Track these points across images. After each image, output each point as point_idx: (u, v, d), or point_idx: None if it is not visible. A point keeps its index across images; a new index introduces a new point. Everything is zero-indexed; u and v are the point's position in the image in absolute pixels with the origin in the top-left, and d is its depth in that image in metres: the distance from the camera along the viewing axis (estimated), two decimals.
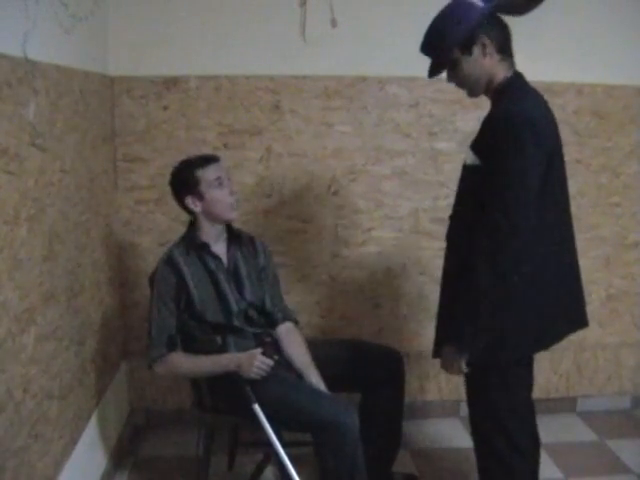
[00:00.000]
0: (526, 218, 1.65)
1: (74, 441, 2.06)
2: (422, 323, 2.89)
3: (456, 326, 1.75)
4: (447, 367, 1.81)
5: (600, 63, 2.77)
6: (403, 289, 2.88)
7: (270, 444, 1.88)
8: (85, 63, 2.22)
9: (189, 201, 2.10)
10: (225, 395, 2.06)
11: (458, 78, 1.80)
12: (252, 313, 2.16)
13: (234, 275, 2.16)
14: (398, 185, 2.79)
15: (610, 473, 2.56)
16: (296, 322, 2.27)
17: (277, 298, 2.27)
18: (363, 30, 2.62)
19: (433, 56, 1.80)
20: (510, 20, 2.69)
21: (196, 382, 2.14)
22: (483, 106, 1.86)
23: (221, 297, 2.11)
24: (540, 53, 2.64)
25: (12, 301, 1.58)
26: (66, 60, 2.00)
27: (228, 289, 2.13)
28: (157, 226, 2.70)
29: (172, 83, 2.62)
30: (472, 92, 1.83)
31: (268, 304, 2.21)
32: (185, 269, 2.09)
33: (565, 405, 3.04)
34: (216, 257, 2.15)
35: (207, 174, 2.08)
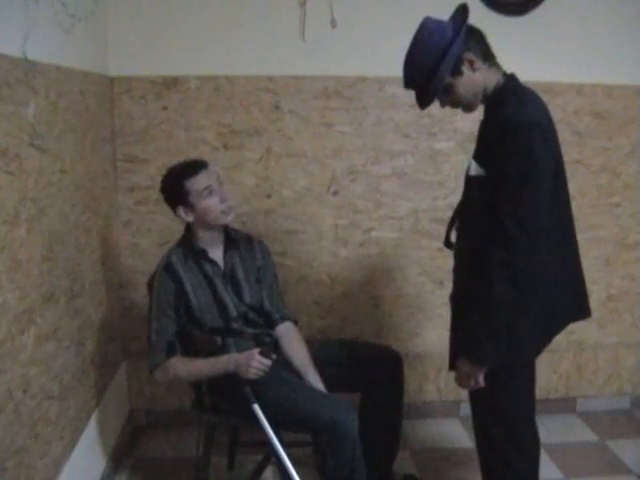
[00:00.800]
0: (543, 228, 1.62)
1: (74, 441, 2.06)
2: (421, 323, 2.90)
3: (474, 340, 1.71)
4: (462, 381, 1.78)
5: (600, 63, 2.76)
6: (402, 289, 2.88)
7: (270, 444, 1.88)
8: (85, 63, 2.22)
9: (181, 212, 2.09)
10: (225, 395, 2.06)
11: (453, 101, 1.78)
12: (251, 315, 2.16)
13: (231, 279, 2.16)
14: (397, 185, 2.79)
15: (610, 473, 2.56)
16: (295, 321, 2.27)
17: (276, 298, 2.27)
18: (363, 30, 2.62)
19: (422, 90, 1.76)
20: (510, 20, 2.70)
21: (196, 382, 2.14)
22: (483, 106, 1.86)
23: (219, 302, 2.11)
24: (540, 53, 2.64)
25: (12, 302, 1.58)
26: (66, 60, 2.00)
27: (226, 294, 2.12)
28: (157, 226, 2.70)
29: (172, 83, 2.62)
30: (469, 108, 1.81)
31: (266, 304, 2.21)
32: (184, 275, 2.09)
33: (565, 405, 3.04)
34: (213, 262, 2.14)
35: (196, 184, 2.06)
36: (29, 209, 1.69)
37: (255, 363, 1.96)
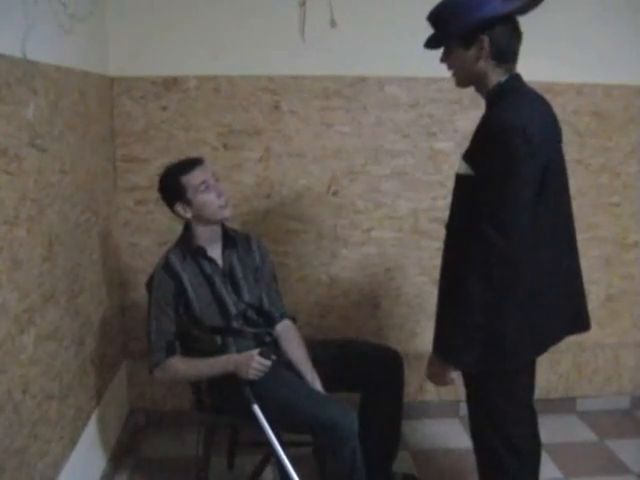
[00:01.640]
0: (522, 232, 1.59)
1: (74, 441, 2.06)
2: (421, 323, 2.90)
3: (443, 339, 1.73)
4: (431, 377, 1.79)
5: (600, 63, 2.76)
6: (402, 289, 2.89)
7: (269, 444, 1.88)
8: (84, 63, 2.22)
9: (179, 208, 2.10)
10: (225, 395, 2.06)
11: (449, 63, 1.76)
12: (251, 314, 2.16)
13: (230, 277, 2.16)
14: (397, 185, 2.79)
15: (609, 473, 2.56)
16: (293, 319, 2.28)
17: (274, 296, 2.27)
18: (363, 30, 2.62)
19: (436, 29, 1.74)
20: None
21: (196, 382, 2.14)
22: (482, 106, 1.85)
23: (218, 301, 2.11)
24: (540, 53, 2.64)
25: (12, 302, 1.58)
26: (65, 60, 2.00)
27: (225, 292, 2.13)
28: (156, 226, 2.70)
29: (171, 83, 2.62)
30: (458, 83, 1.80)
31: (265, 303, 2.21)
32: (183, 274, 2.09)
33: (565, 405, 3.04)
34: (212, 260, 2.14)
35: (192, 180, 2.07)
36: (29, 209, 1.69)
37: (255, 364, 1.96)
